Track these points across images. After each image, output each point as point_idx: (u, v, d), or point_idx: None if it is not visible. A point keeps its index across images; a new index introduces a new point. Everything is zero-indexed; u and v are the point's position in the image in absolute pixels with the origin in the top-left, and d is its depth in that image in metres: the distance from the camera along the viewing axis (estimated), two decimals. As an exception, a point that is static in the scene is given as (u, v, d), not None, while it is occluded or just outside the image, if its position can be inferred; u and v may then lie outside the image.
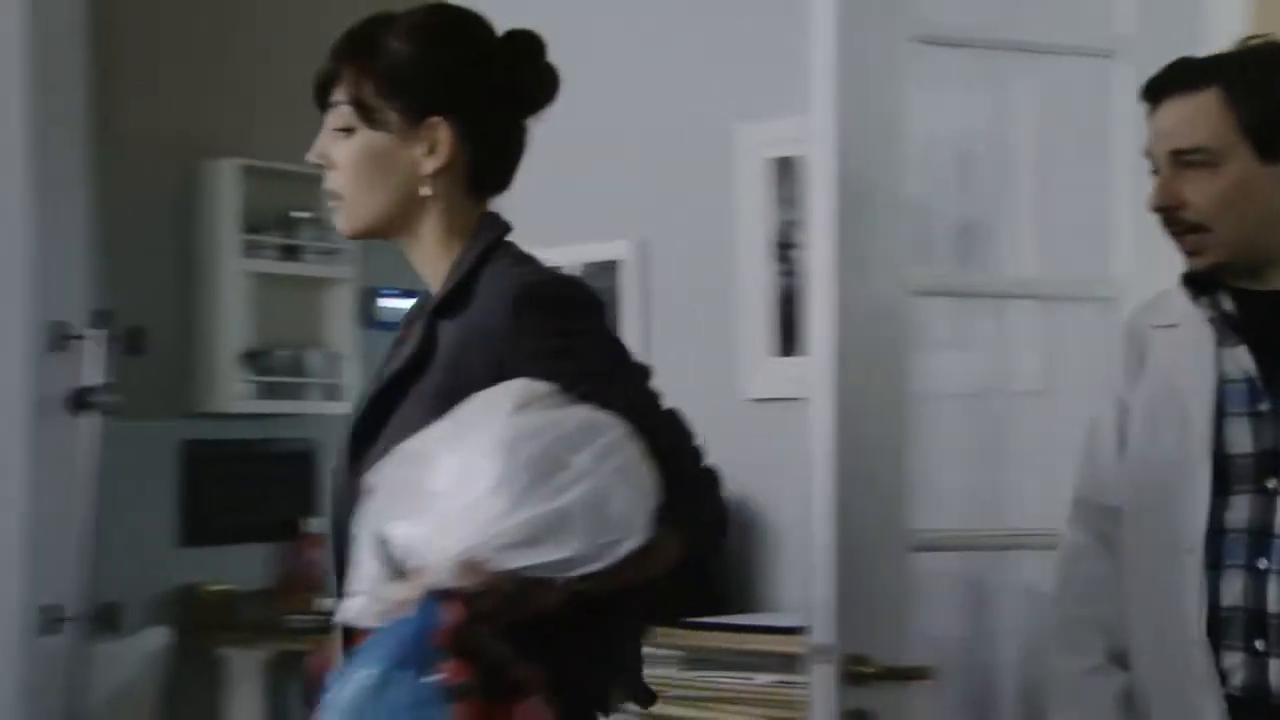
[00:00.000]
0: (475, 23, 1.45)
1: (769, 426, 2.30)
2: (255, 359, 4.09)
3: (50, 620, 2.86)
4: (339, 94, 1.39)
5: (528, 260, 1.41)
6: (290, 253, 4.24)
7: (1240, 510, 1.47)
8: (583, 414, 1.23)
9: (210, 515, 4.01)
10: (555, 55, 2.67)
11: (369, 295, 4.29)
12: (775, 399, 2.29)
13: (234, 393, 4.00)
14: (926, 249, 1.81)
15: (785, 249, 2.30)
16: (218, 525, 4.02)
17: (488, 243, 1.41)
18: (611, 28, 2.54)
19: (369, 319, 4.28)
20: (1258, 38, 1.53)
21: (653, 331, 2.46)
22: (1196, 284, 1.51)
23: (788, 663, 1.98)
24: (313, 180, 4.63)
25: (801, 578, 2.23)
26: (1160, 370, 1.54)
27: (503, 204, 2.80)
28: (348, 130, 1.39)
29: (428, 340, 1.36)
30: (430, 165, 1.39)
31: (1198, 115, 1.47)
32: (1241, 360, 1.48)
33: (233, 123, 4.09)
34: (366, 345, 4.09)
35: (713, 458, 2.36)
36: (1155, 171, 1.50)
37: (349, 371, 4.17)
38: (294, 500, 4.02)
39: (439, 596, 1.14)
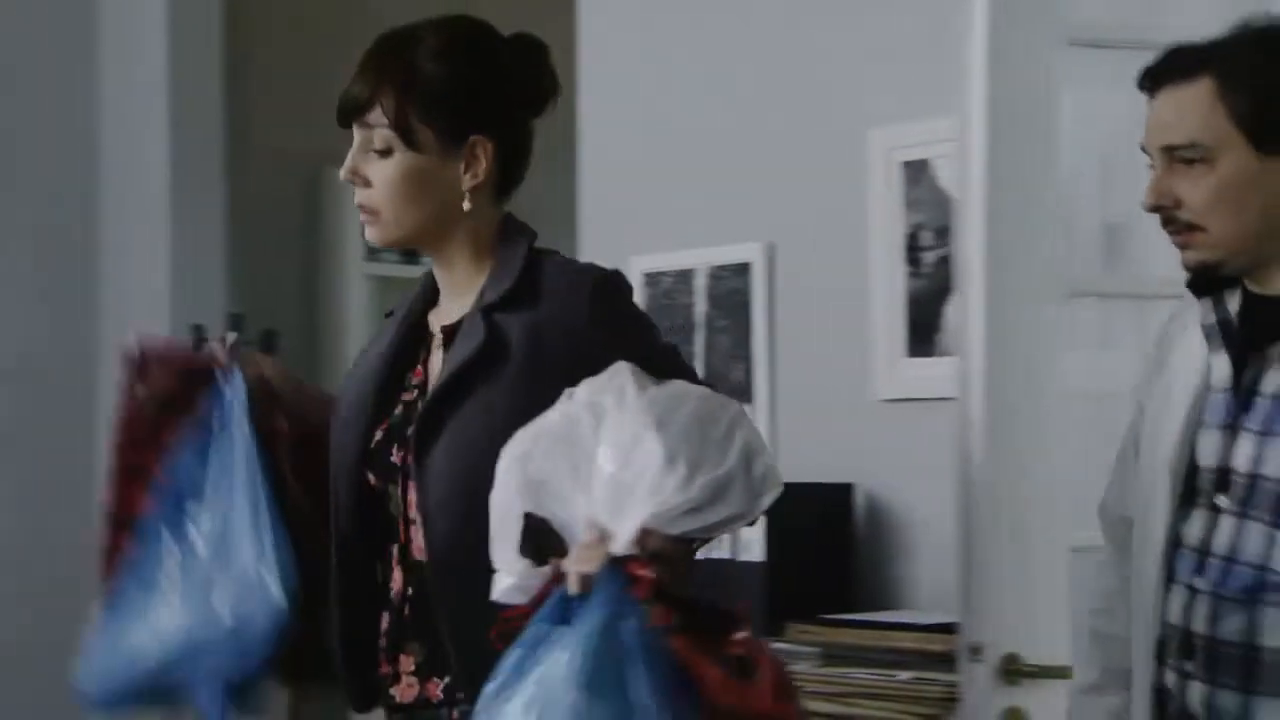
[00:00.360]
0: (493, 35, 1.51)
1: (900, 426, 2.31)
2: (376, 361, 4.21)
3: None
4: (376, 116, 1.45)
5: (563, 256, 1.52)
6: (410, 256, 4.35)
7: (1195, 526, 1.43)
8: (692, 388, 1.33)
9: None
10: (694, 60, 2.72)
11: (484, 298, 4.41)
12: (907, 399, 2.31)
13: (357, 393, 4.10)
14: (1071, 249, 1.82)
15: (915, 251, 2.31)
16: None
17: (528, 242, 1.50)
18: (745, 33, 2.57)
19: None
20: (1258, 19, 1.43)
21: (780, 333, 2.49)
22: (1198, 286, 1.44)
23: (926, 660, 2.00)
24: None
25: (934, 575, 2.25)
26: (1168, 374, 1.50)
27: (636, 206, 2.85)
28: (385, 151, 1.45)
29: (493, 334, 1.43)
30: (470, 181, 1.47)
31: (1190, 108, 1.38)
32: (1224, 369, 1.43)
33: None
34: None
35: (845, 456, 2.39)
36: (1153, 167, 1.43)
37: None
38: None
39: (622, 563, 1.22)
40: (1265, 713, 1.35)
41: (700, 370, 2.57)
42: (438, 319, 1.53)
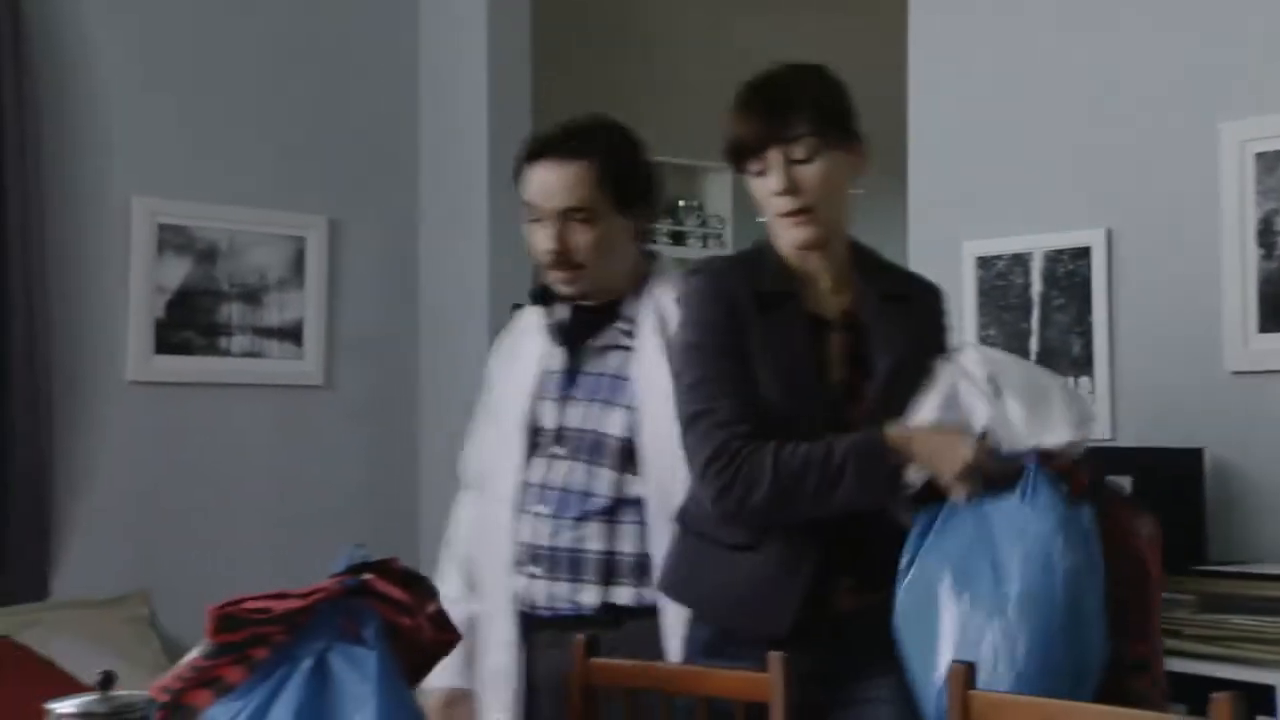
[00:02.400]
0: None
1: (1251, 396, 2.47)
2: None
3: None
4: (800, 131, 1.72)
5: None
6: (677, 238, 4.65)
7: (537, 470, 1.94)
8: None
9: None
10: (1031, 54, 2.91)
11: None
12: (1258, 372, 2.46)
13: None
14: None
15: (1269, 236, 2.47)
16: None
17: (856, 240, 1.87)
18: (1090, 26, 2.72)
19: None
20: (604, 119, 1.96)
21: (1119, 311, 2.67)
22: (537, 299, 1.98)
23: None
24: (696, 172, 5.12)
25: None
26: (519, 361, 2.04)
27: (967, 195, 3.04)
28: (807, 159, 1.73)
29: (905, 319, 1.80)
30: (859, 173, 1.84)
31: (580, 180, 1.89)
32: (559, 357, 1.96)
33: (630, 123, 4.48)
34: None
35: (1193, 423, 2.56)
36: (535, 219, 1.92)
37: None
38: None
39: (1041, 456, 1.63)
40: (585, 596, 1.89)
41: (1037, 344, 2.80)
42: (824, 305, 1.80)
